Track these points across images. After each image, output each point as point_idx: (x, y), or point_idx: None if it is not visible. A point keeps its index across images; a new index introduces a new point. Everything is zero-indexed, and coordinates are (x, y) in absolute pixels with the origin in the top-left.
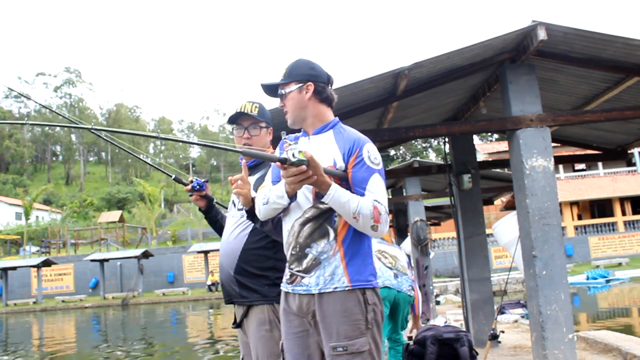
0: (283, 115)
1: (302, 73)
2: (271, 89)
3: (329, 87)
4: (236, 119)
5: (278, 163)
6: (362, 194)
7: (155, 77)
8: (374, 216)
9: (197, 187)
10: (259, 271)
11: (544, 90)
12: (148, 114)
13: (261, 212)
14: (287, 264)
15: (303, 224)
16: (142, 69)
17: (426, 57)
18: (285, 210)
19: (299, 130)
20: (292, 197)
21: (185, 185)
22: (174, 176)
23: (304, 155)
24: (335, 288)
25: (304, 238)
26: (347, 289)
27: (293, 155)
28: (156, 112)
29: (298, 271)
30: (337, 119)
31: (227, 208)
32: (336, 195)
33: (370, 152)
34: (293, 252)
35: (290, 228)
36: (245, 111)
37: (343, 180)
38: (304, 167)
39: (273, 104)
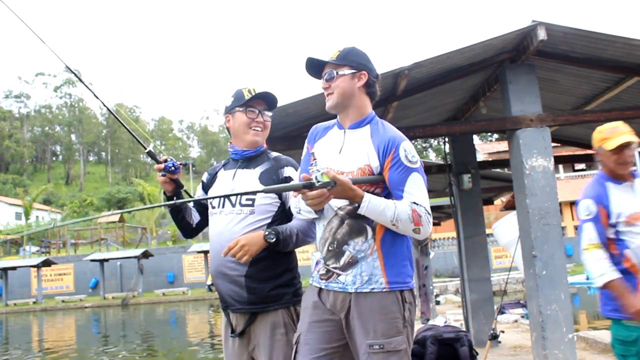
0: (285, 115)
1: (358, 61)
2: (316, 67)
3: (377, 84)
4: (257, 99)
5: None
6: (401, 197)
7: (155, 77)
8: (413, 220)
9: (172, 168)
10: (273, 275)
11: (544, 90)
12: (148, 114)
13: (299, 219)
14: (322, 259)
15: (341, 221)
16: (142, 69)
17: (426, 57)
18: None
19: (328, 119)
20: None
21: (158, 163)
22: (148, 149)
23: (327, 177)
24: (373, 289)
25: (342, 235)
26: (384, 290)
27: (316, 179)
28: (156, 112)
29: (335, 268)
30: (373, 112)
31: (191, 197)
32: (370, 206)
33: (407, 150)
34: (330, 248)
35: (327, 223)
36: (269, 92)
37: (379, 182)
38: (323, 190)
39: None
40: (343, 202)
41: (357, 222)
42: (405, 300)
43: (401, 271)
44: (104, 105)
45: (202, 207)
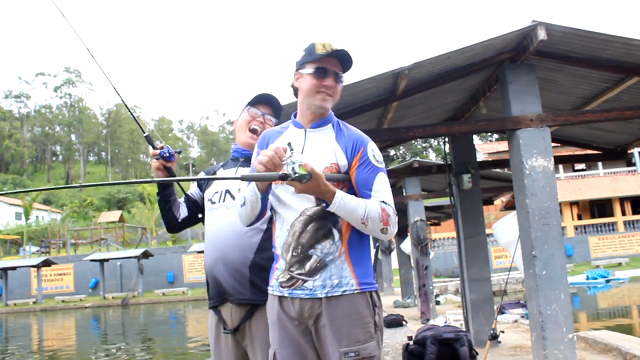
0: (285, 116)
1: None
2: (348, 65)
3: None
4: (261, 101)
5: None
6: (368, 196)
7: (155, 77)
8: (382, 219)
9: (167, 155)
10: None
11: (544, 90)
12: (148, 114)
13: (242, 217)
14: (283, 266)
15: (305, 223)
16: (142, 69)
17: (426, 57)
18: (283, 207)
19: (279, 123)
20: (265, 191)
21: (155, 148)
22: (146, 133)
23: (304, 169)
24: (344, 291)
25: (307, 239)
26: (356, 292)
27: (293, 170)
28: (156, 112)
29: (300, 274)
30: (332, 112)
31: (185, 192)
32: (342, 203)
33: (374, 150)
34: (294, 254)
35: (289, 227)
36: (270, 94)
37: (345, 181)
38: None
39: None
40: (309, 204)
41: (323, 224)
42: (375, 304)
43: (368, 272)
44: (113, 88)
45: (193, 203)
